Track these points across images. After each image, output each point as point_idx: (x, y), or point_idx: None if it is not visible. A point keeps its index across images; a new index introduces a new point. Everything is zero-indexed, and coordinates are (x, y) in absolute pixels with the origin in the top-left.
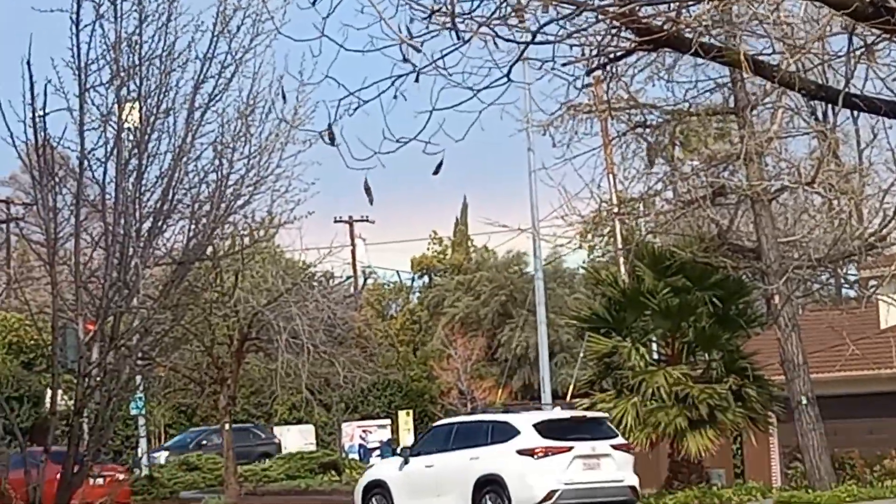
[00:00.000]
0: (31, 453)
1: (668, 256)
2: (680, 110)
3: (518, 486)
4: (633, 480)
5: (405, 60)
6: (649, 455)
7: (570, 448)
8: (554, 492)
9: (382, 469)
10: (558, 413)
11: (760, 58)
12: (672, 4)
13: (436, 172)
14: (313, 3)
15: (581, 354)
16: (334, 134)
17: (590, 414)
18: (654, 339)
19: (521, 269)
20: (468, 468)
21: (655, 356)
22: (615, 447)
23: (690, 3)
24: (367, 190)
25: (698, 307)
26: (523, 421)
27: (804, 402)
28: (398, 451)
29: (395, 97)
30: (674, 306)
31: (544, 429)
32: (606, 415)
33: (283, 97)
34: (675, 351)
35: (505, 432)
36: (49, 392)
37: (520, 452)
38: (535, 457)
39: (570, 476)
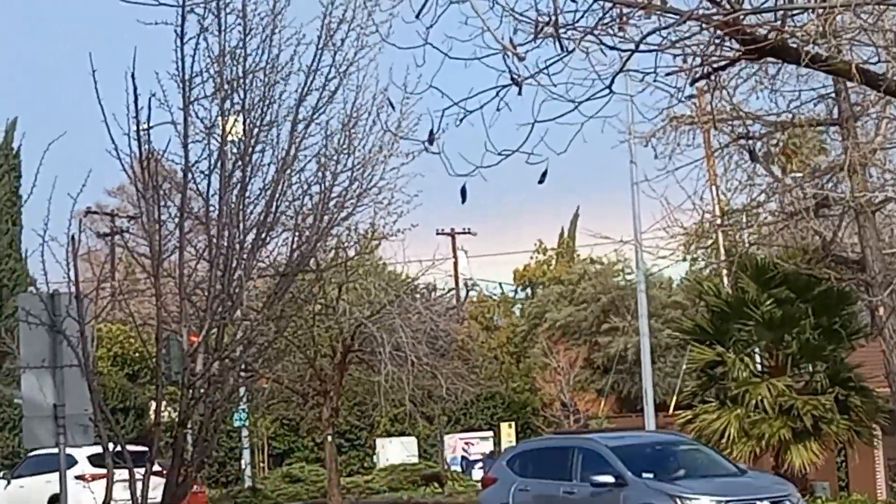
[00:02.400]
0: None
1: (771, 268)
2: (783, 121)
3: None
4: None
5: (509, 71)
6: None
7: None
8: None
9: None
10: None
11: (866, 66)
12: (776, 13)
13: (541, 181)
14: (418, 15)
15: (684, 366)
16: (433, 138)
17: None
18: (757, 350)
19: (622, 277)
20: None
21: (759, 367)
22: None
23: (795, 12)
24: (463, 191)
25: (802, 318)
26: None
27: None
28: None
29: (498, 109)
30: (777, 318)
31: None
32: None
33: (392, 105)
34: (779, 362)
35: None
36: (153, 404)
37: None
38: None
39: None
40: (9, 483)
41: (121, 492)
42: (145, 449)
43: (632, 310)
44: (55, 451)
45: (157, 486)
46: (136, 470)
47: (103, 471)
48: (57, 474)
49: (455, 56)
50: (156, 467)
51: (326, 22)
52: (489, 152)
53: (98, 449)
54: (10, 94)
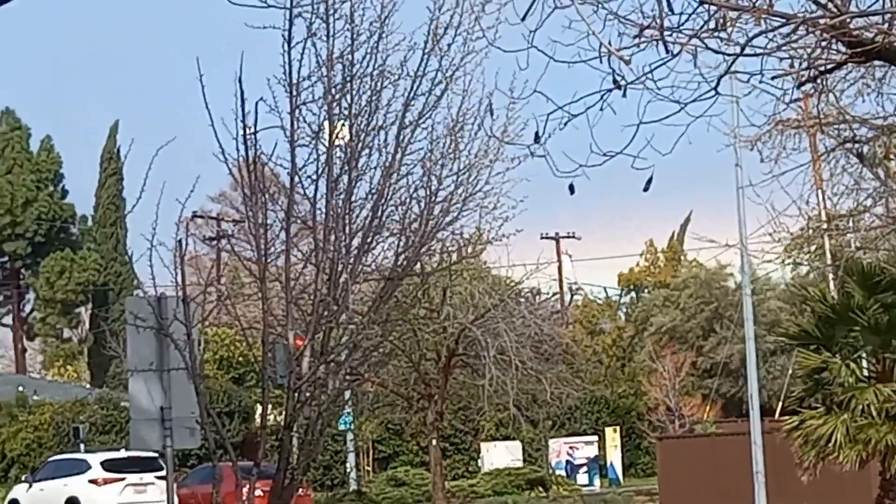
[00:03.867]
0: (242, 468)
1: (877, 273)
2: (891, 125)
3: None
4: None
5: (612, 74)
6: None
7: None
8: None
9: None
10: None
11: None
12: (884, 16)
13: (646, 189)
14: (523, 18)
15: (790, 371)
16: (539, 137)
17: None
18: (863, 355)
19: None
20: None
21: (865, 373)
22: None
23: None
24: (571, 186)
25: None
26: None
27: None
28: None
29: (601, 109)
30: (883, 323)
31: None
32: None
33: (491, 112)
34: (886, 367)
35: None
36: (259, 407)
37: None
38: None
39: None
40: (31, 486)
41: (132, 495)
42: (154, 455)
43: (737, 316)
44: (72, 455)
45: (164, 491)
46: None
47: (115, 475)
48: (73, 478)
49: (559, 59)
50: (164, 472)
51: (433, 27)
52: (594, 153)
53: (110, 455)
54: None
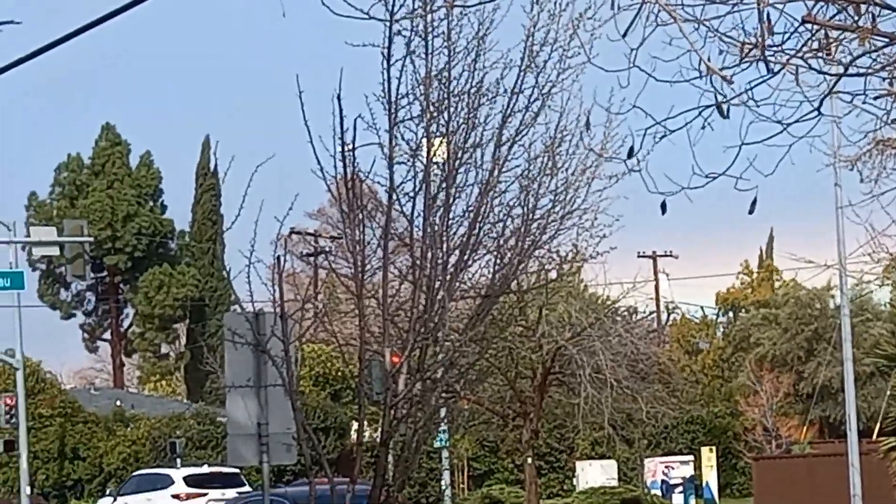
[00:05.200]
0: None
1: None
2: None
3: None
4: None
5: (714, 93)
6: None
7: None
8: None
9: None
10: None
11: None
12: None
13: (751, 211)
14: (624, 35)
15: (888, 392)
16: (633, 152)
17: None
18: None
19: (825, 305)
20: None
21: None
22: None
23: None
24: (663, 205)
25: None
26: None
27: None
28: None
29: (702, 128)
30: None
31: None
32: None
33: (588, 127)
34: None
35: None
36: (355, 423)
37: None
38: None
39: None
40: (115, 500)
41: None
42: (236, 471)
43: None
44: (155, 471)
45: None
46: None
47: (197, 490)
48: (156, 492)
49: (660, 78)
50: (246, 487)
51: (529, 44)
52: (696, 175)
53: (193, 470)
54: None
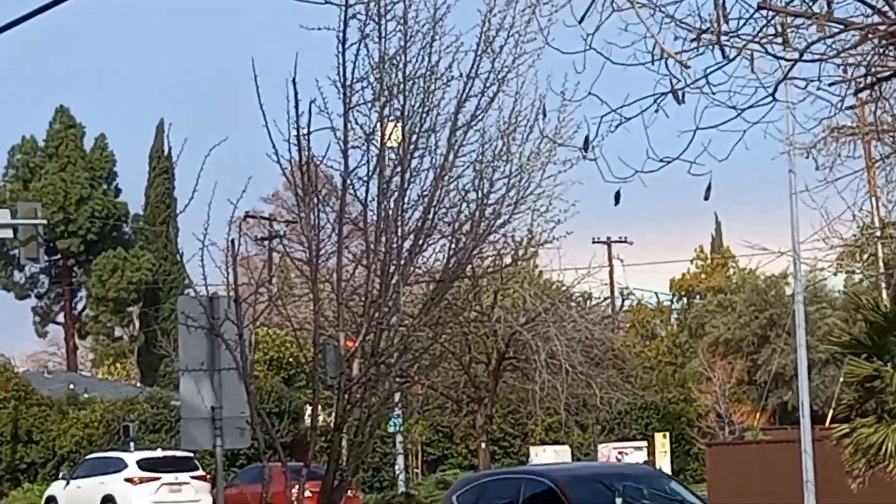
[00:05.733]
0: (291, 468)
1: None
2: None
3: None
4: None
5: (670, 78)
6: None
7: None
8: None
9: None
10: None
11: None
12: None
13: (706, 197)
14: (580, 21)
15: (841, 379)
16: (589, 143)
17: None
18: None
19: (780, 292)
20: None
21: None
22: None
23: None
24: (617, 195)
25: None
26: None
27: None
28: None
29: (656, 111)
30: None
31: None
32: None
33: (544, 114)
34: None
35: None
36: (309, 408)
37: None
38: None
39: None
40: (68, 483)
41: (167, 494)
42: (189, 455)
43: (790, 326)
44: (108, 454)
45: (199, 490)
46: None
47: (151, 474)
48: (110, 476)
49: (616, 62)
50: (199, 471)
51: (485, 28)
52: (650, 159)
53: (146, 454)
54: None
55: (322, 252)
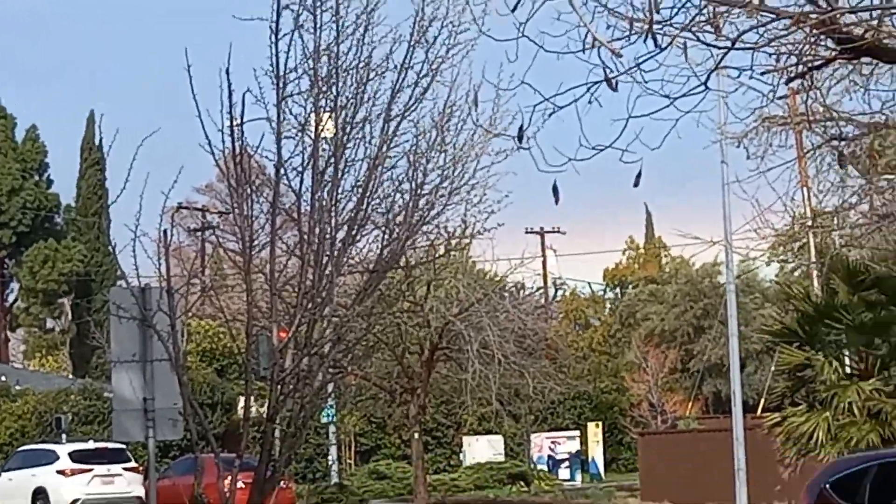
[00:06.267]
0: (224, 459)
1: (862, 270)
2: (877, 123)
3: None
4: None
5: (603, 67)
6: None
7: None
8: None
9: None
10: None
11: None
12: (873, 12)
13: (636, 184)
14: (513, 10)
15: (772, 368)
16: (523, 133)
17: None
18: (846, 353)
19: (714, 282)
20: None
21: (848, 370)
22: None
23: (893, 11)
24: (555, 190)
25: (893, 322)
26: None
27: None
28: None
29: (589, 102)
30: (868, 321)
31: None
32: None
33: (476, 104)
34: (869, 366)
35: None
36: (241, 399)
37: None
38: None
39: None
40: None
41: (99, 486)
42: (121, 447)
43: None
44: (40, 446)
45: (132, 482)
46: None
47: (83, 466)
48: (41, 468)
49: (549, 50)
50: (132, 463)
51: (419, 19)
52: (583, 147)
53: (79, 445)
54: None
55: (255, 243)
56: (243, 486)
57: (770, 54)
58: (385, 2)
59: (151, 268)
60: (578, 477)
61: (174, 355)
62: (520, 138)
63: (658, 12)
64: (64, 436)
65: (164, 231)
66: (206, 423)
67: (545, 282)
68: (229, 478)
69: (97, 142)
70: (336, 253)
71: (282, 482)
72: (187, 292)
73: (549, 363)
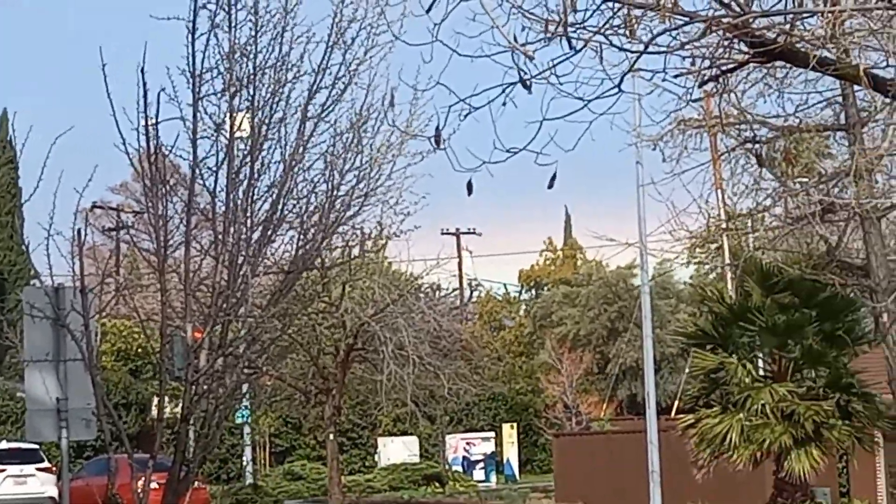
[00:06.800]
0: (137, 460)
1: (776, 273)
2: (790, 126)
3: None
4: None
5: (517, 69)
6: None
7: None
8: None
9: None
10: None
11: (874, 71)
12: (786, 16)
13: (550, 186)
14: (428, 10)
15: (686, 370)
16: (441, 136)
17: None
18: (760, 355)
19: (629, 285)
20: None
21: (761, 372)
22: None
23: (804, 15)
24: (469, 185)
25: (805, 324)
26: None
27: None
28: None
29: (503, 104)
30: (781, 323)
31: None
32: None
33: (392, 104)
34: (782, 368)
35: None
36: (156, 399)
37: None
38: None
39: None
40: None
41: (12, 486)
42: (35, 447)
43: (636, 317)
44: None
45: (45, 482)
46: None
47: None
48: None
49: (463, 53)
50: (45, 463)
51: (337, 20)
52: (497, 150)
53: None
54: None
55: (170, 242)
56: (157, 486)
57: (684, 57)
58: (302, 2)
59: (65, 267)
60: (493, 478)
61: (88, 355)
62: (436, 140)
63: (573, 14)
64: None
65: (79, 230)
66: (120, 423)
67: (461, 283)
68: (143, 478)
69: (10, 140)
70: (251, 253)
71: (196, 483)
72: (101, 292)
73: (464, 364)
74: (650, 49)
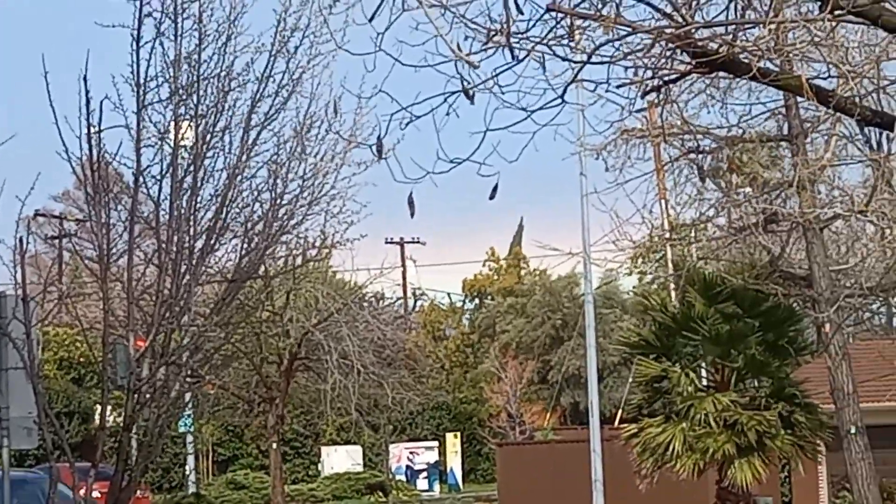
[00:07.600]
0: (79, 469)
1: (719, 283)
2: (733, 136)
3: None
4: None
5: (461, 79)
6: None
7: None
8: None
9: None
10: None
11: (816, 82)
12: (728, 27)
13: (492, 197)
14: (371, 19)
15: (630, 379)
16: (383, 146)
17: None
18: (703, 365)
19: (573, 294)
20: None
21: (704, 382)
22: None
23: (747, 26)
24: (411, 203)
25: (748, 334)
26: None
27: (853, 431)
28: None
29: (447, 114)
30: (724, 333)
31: None
32: None
33: (336, 112)
34: (725, 377)
35: None
36: (98, 408)
37: None
38: None
39: None
40: None
41: None
42: None
43: (580, 326)
44: None
45: None
46: None
47: None
48: None
49: (406, 63)
50: None
51: (280, 29)
52: (441, 160)
53: None
54: None
55: (113, 251)
56: (99, 495)
57: (627, 68)
58: (247, 11)
59: (7, 275)
60: (437, 487)
61: (29, 364)
62: (378, 149)
63: (516, 24)
64: None
65: (21, 238)
66: (62, 432)
67: (405, 292)
68: (84, 487)
69: None
70: (194, 262)
71: (138, 492)
72: (44, 300)
73: (407, 373)
74: (593, 59)
